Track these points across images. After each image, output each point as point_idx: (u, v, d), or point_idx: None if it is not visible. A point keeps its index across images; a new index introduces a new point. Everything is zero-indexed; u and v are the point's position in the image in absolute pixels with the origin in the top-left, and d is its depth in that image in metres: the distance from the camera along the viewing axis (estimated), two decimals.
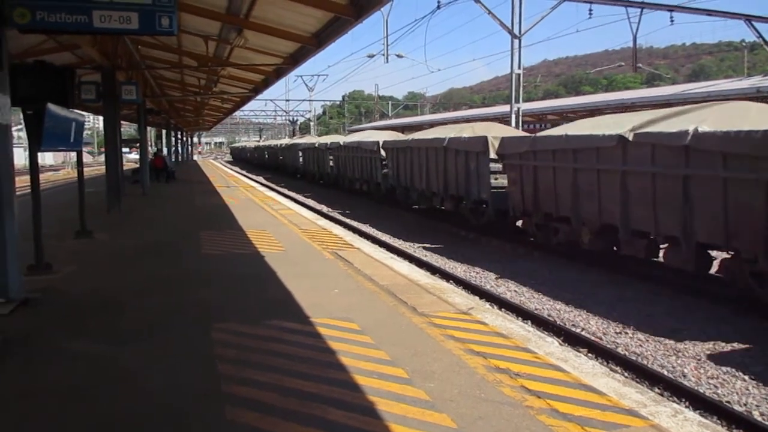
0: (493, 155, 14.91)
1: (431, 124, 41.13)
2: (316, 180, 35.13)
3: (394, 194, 21.64)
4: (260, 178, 40.72)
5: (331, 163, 30.15)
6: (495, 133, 16.01)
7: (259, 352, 5.23)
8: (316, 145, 33.06)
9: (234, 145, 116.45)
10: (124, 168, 23.47)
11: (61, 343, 5.67)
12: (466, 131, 17.27)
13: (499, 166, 14.86)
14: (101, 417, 4.15)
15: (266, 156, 56.20)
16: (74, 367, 5.09)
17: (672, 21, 25.23)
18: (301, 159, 37.99)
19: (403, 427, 3.88)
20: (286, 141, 49.98)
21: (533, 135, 14.93)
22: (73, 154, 18.39)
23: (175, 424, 4.05)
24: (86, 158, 46.12)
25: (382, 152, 22.52)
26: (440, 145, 17.31)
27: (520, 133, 18.79)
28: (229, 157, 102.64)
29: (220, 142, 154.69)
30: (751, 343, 7.68)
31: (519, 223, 14.67)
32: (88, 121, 67.34)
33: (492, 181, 15.05)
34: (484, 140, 15.14)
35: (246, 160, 75.09)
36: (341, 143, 28.08)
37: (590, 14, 24.16)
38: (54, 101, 7.89)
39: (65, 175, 47.07)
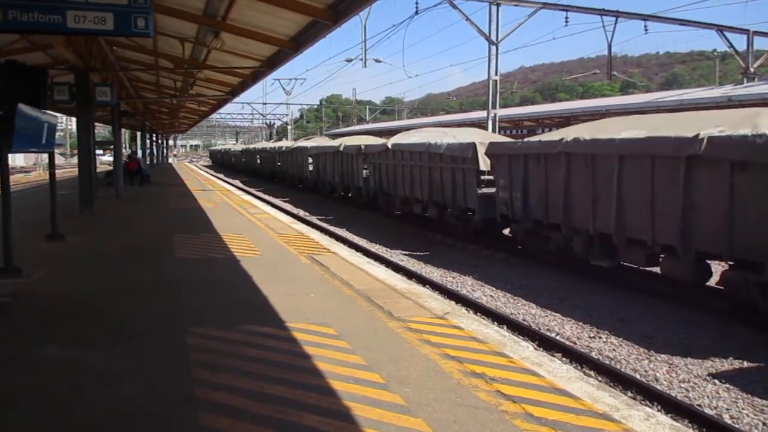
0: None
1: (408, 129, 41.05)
2: (335, 194, 26.91)
3: None
4: (251, 189, 35.02)
5: (364, 173, 22.32)
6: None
7: (234, 357, 5.18)
8: (341, 148, 24.65)
9: (214, 147, 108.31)
10: (98, 170, 23.15)
11: (30, 348, 5.56)
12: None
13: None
14: (72, 424, 4.07)
15: (258, 161, 47.76)
16: (44, 373, 4.98)
17: (646, 30, 25.71)
18: (311, 166, 30.12)
19: None
20: (286, 143, 42.08)
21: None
22: (45, 156, 18.15)
23: (149, 431, 3.99)
24: (58, 160, 45.47)
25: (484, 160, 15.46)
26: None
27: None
28: (207, 161, 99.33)
29: (196, 145, 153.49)
30: (722, 347, 7.81)
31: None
32: (61, 123, 66.43)
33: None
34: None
35: (229, 165, 67.29)
36: (388, 145, 19.55)
37: (566, 22, 24.48)
38: (26, 102, 7.76)
39: (36, 177, 46.27)
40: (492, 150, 13.98)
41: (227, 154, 74.15)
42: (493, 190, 14.12)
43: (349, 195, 25.15)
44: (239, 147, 71.96)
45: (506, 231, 14.90)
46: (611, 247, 10.61)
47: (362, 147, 22.16)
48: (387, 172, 19.71)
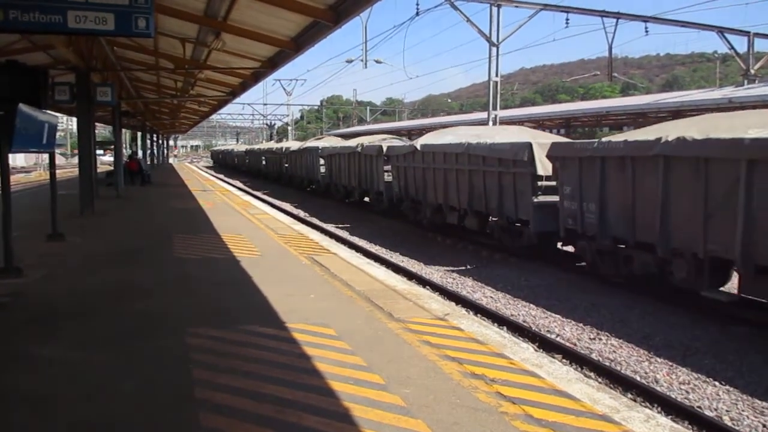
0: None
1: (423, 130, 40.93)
2: (350, 199, 25.29)
3: None
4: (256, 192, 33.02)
5: (386, 177, 20.26)
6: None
7: (234, 358, 5.18)
8: (359, 149, 22.50)
9: (216, 148, 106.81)
10: (98, 170, 23.15)
11: (30, 348, 5.56)
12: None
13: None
14: (72, 425, 4.07)
15: (263, 162, 45.23)
16: (44, 373, 4.98)
17: (647, 32, 25.68)
18: (322, 168, 28.12)
19: None
20: (295, 143, 39.59)
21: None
22: (45, 156, 18.17)
23: (150, 430, 3.99)
24: (59, 160, 45.46)
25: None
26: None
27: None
28: (207, 161, 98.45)
29: (197, 146, 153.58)
30: (722, 349, 7.80)
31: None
32: (62, 123, 66.44)
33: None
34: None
35: (232, 166, 65.39)
36: (417, 146, 17.44)
37: (567, 24, 24.50)
38: (26, 102, 7.76)
39: (37, 177, 46.24)
40: (556, 151, 11.83)
41: (230, 154, 71.29)
42: (553, 198, 12.10)
43: (366, 200, 23.60)
44: (242, 147, 68.93)
45: (555, 243, 13.19)
46: (728, 276, 8.96)
47: (384, 148, 20.04)
48: (415, 177, 17.60)
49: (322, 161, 28.01)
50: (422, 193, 17.28)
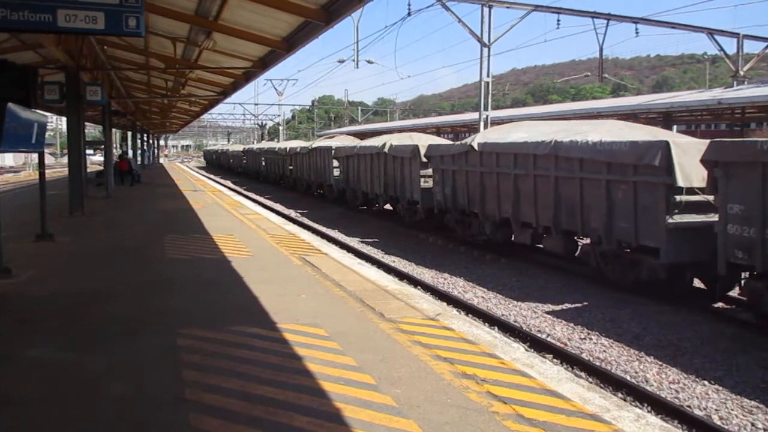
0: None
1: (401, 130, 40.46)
2: (374, 207, 22.08)
3: None
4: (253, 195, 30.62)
5: (423, 183, 17.09)
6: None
7: (224, 359, 5.16)
8: (386, 149, 19.05)
9: (209, 147, 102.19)
10: (88, 170, 23.02)
11: (18, 349, 5.52)
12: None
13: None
14: (60, 427, 4.05)
15: (263, 163, 41.22)
16: (33, 374, 4.95)
17: (637, 33, 25.78)
18: (336, 171, 24.77)
19: None
20: (301, 143, 35.62)
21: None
22: (35, 156, 18.08)
23: None
24: (48, 160, 45.20)
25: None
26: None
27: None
28: (198, 162, 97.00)
29: (187, 145, 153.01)
30: (711, 348, 7.85)
31: None
32: (51, 122, 66.00)
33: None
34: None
35: (227, 167, 60.94)
36: (473, 145, 14.22)
37: (558, 24, 24.54)
38: (15, 101, 7.70)
39: (26, 177, 46.00)
40: (717, 153, 8.55)
41: (225, 155, 66.43)
42: (696, 219, 9.45)
43: (392, 208, 20.64)
44: (239, 147, 63.51)
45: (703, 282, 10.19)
46: None
47: (422, 148, 16.85)
48: (468, 183, 14.58)
49: (335, 163, 24.66)
50: (478, 204, 14.09)
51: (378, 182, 20.09)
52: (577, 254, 11.93)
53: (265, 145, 45.68)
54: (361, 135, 40.66)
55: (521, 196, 12.74)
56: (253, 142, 78.03)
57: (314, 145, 28.40)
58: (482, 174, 13.96)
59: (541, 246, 12.72)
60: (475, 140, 14.34)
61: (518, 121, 18.42)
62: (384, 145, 19.27)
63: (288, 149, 33.14)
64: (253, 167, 45.09)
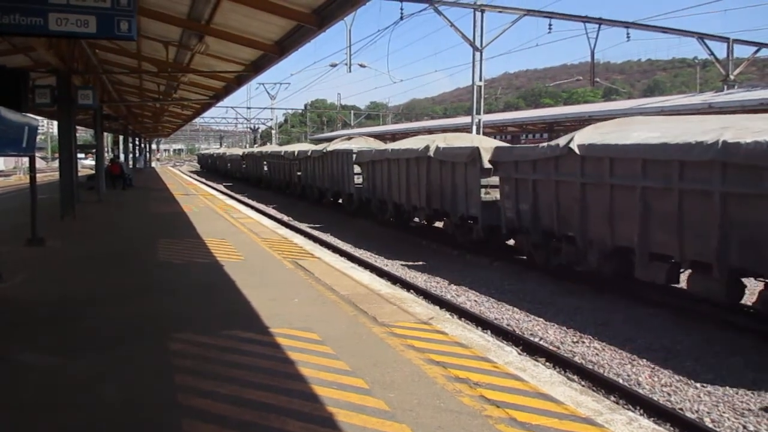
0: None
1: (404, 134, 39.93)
2: (410, 221, 18.73)
3: None
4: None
5: (484, 195, 13.87)
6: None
7: (217, 363, 5.14)
8: (431, 152, 15.79)
9: (204, 151, 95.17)
10: (80, 174, 22.91)
11: (9, 355, 5.48)
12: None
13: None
14: None
15: (265, 169, 37.57)
16: (23, 380, 4.92)
17: (628, 37, 26.02)
18: (357, 178, 21.44)
19: None
20: (308, 147, 31.04)
21: None
22: (26, 160, 17.97)
23: None
24: (39, 164, 44.91)
25: None
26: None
27: None
28: (190, 166, 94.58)
29: (180, 149, 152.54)
30: (703, 352, 7.88)
31: None
32: (42, 126, 65.66)
33: None
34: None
35: (224, 173, 56.51)
36: (573, 147, 10.79)
37: (550, 29, 24.68)
38: (6, 104, 7.67)
39: (17, 181, 45.71)
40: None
41: (222, 159, 61.21)
42: None
43: (427, 223, 18.02)
44: (237, 151, 57.99)
45: None
46: None
47: (483, 150, 13.58)
48: (558, 197, 11.31)
49: (356, 169, 21.33)
50: (577, 226, 10.84)
51: (417, 192, 16.73)
52: (754, 302, 8.91)
53: (269, 148, 41.87)
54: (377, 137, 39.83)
55: (654, 217, 9.33)
56: (245, 146, 77.83)
57: (330, 148, 24.44)
58: (584, 186, 10.66)
59: (678, 285, 9.74)
60: (574, 141, 10.82)
61: (628, 117, 14.58)
62: (428, 147, 15.95)
63: (296, 153, 29.34)
64: (254, 173, 41.59)
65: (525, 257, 13.07)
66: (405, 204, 17.62)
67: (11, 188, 35.79)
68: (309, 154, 27.03)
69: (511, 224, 12.76)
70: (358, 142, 25.42)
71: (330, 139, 43.89)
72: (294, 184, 30.56)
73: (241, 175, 46.87)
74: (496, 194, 13.43)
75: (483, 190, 13.76)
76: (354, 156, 21.40)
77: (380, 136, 39.70)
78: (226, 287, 8.12)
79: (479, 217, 13.87)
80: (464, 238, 14.97)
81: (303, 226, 19.62)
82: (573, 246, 11.14)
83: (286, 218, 17.58)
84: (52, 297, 7.70)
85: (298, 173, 29.36)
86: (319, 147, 26.84)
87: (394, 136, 42.53)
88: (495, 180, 13.35)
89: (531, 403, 4.45)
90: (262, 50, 14.37)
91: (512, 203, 12.57)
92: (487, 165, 13.42)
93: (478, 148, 13.79)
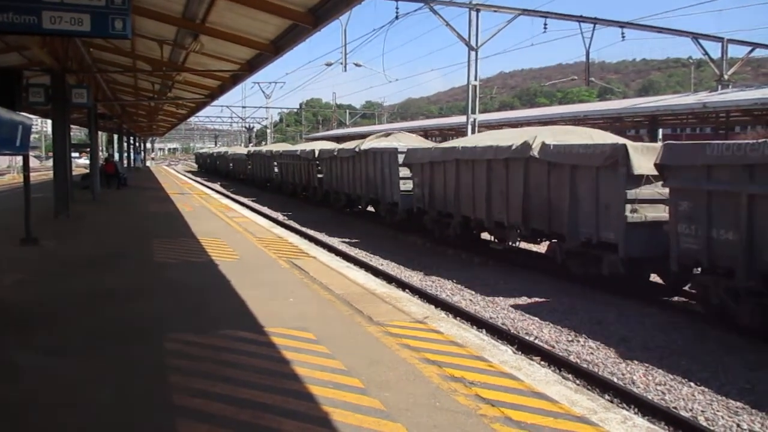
0: None
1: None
2: (476, 236, 15.55)
3: None
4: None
5: (630, 214, 9.93)
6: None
7: (212, 363, 5.13)
8: (534, 152, 11.91)
9: (202, 150, 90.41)
10: (74, 173, 22.83)
11: (3, 355, 5.45)
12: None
13: None
14: None
15: (276, 170, 33.65)
16: (17, 381, 4.90)
17: (623, 37, 26.07)
18: (406, 184, 17.39)
19: None
20: (332, 146, 26.25)
21: None
22: (19, 159, 17.80)
23: None
24: (33, 163, 44.72)
25: None
26: None
27: None
28: (187, 165, 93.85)
29: (174, 148, 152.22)
30: (697, 350, 7.91)
31: None
32: (36, 125, 65.38)
33: None
34: None
35: (225, 173, 52.97)
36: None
37: (545, 28, 24.72)
38: None
39: (10, 180, 45.49)
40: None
41: (223, 158, 56.21)
42: None
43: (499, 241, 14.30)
44: (240, 150, 52.96)
45: None
46: None
47: (630, 149, 9.97)
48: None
49: (403, 172, 17.40)
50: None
51: (504, 204, 12.89)
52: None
53: (280, 147, 37.80)
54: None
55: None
56: (240, 145, 77.57)
57: (365, 147, 20.37)
58: None
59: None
60: None
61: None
62: (527, 144, 11.95)
63: (317, 152, 25.48)
64: (261, 174, 37.91)
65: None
66: (484, 219, 13.66)
67: (5, 187, 35.63)
68: (335, 153, 23.03)
69: (692, 258, 8.82)
70: (399, 138, 21.48)
71: (326, 139, 43.39)
72: (313, 189, 26.76)
73: (246, 177, 42.90)
74: (649, 212, 9.95)
75: (629, 207, 9.91)
76: (401, 156, 17.34)
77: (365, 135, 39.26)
78: (221, 287, 8.10)
79: (622, 245, 9.94)
80: (583, 269, 11.10)
81: (335, 242, 16.62)
82: None
83: (312, 233, 16.38)
84: (46, 297, 7.67)
85: (319, 176, 25.62)
86: (348, 145, 23.16)
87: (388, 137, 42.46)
88: (648, 192, 9.88)
89: (526, 402, 4.46)
90: (258, 49, 14.34)
91: (698, 228, 8.59)
92: (639, 170, 9.76)
93: (624, 146, 10.03)
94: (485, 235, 15.22)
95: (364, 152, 20.09)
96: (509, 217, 12.80)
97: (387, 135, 22.62)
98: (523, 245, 14.13)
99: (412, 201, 17.02)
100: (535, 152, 11.79)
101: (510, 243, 13.63)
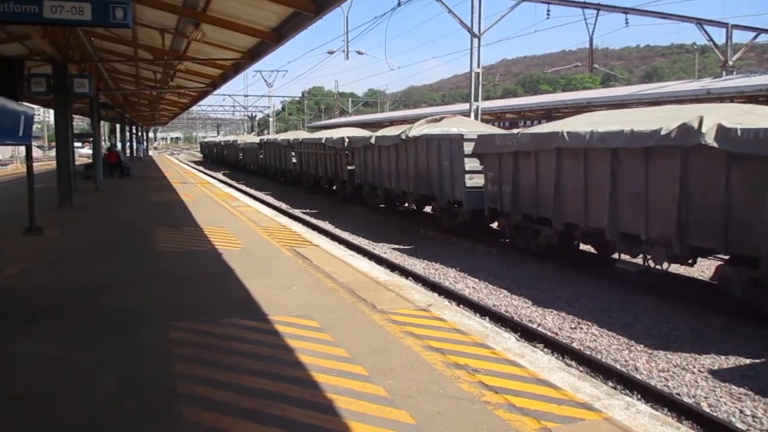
0: None
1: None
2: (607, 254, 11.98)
3: None
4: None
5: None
6: None
7: (216, 351, 5.15)
8: (707, 138, 8.18)
9: (208, 139, 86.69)
10: (77, 163, 22.84)
11: (8, 345, 5.49)
12: None
13: None
14: (53, 422, 4.03)
15: (293, 161, 30.53)
16: (23, 369, 4.93)
17: (627, 23, 25.88)
18: (474, 179, 14.34)
19: (362, 425, 3.88)
20: (366, 133, 23.60)
21: None
22: (22, 149, 17.81)
23: (132, 427, 3.96)
24: (36, 153, 44.82)
25: None
26: None
27: None
28: (190, 154, 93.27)
29: (177, 137, 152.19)
30: (700, 337, 7.92)
31: None
32: (38, 115, 65.30)
33: None
34: None
35: (233, 163, 50.00)
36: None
37: (548, 15, 24.63)
38: (1, 93, 7.63)
39: (13, 170, 45.56)
40: None
41: (232, 147, 51.85)
42: None
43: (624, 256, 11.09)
44: (251, 138, 48.69)
45: None
46: None
47: None
48: None
49: (472, 165, 14.30)
50: None
51: (653, 213, 9.43)
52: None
53: (299, 135, 34.20)
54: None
55: None
56: (242, 133, 77.47)
57: (414, 133, 17.01)
58: None
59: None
60: None
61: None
62: (687, 127, 8.62)
63: (347, 140, 22.21)
64: (275, 165, 34.67)
65: None
66: (606, 229, 10.25)
67: (8, 177, 35.68)
68: (372, 141, 19.72)
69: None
70: (453, 123, 17.88)
71: (328, 127, 42.82)
72: (341, 182, 23.47)
73: (257, 168, 39.85)
74: None
75: None
76: (468, 144, 14.23)
77: (378, 124, 39.08)
78: (225, 276, 8.12)
79: None
80: (762, 301, 8.06)
81: (385, 250, 14.19)
82: None
83: (365, 243, 13.70)
84: (51, 286, 7.70)
85: (349, 168, 22.37)
86: (389, 131, 20.21)
87: (393, 124, 42.43)
88: None
89: (529, 388, 4.47)
90: (259, 37, 14.27)
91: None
92: None
93: None
94: (585, 246, 12.45)
95: (414, 140, 16.76)
96: (649, 228, 9.46)
97: (438, 120, 18.13)
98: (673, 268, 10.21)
99: (481, 200, 13.82)
100: (707, 138, 8.28)
101: (651, 264, 9.88)
